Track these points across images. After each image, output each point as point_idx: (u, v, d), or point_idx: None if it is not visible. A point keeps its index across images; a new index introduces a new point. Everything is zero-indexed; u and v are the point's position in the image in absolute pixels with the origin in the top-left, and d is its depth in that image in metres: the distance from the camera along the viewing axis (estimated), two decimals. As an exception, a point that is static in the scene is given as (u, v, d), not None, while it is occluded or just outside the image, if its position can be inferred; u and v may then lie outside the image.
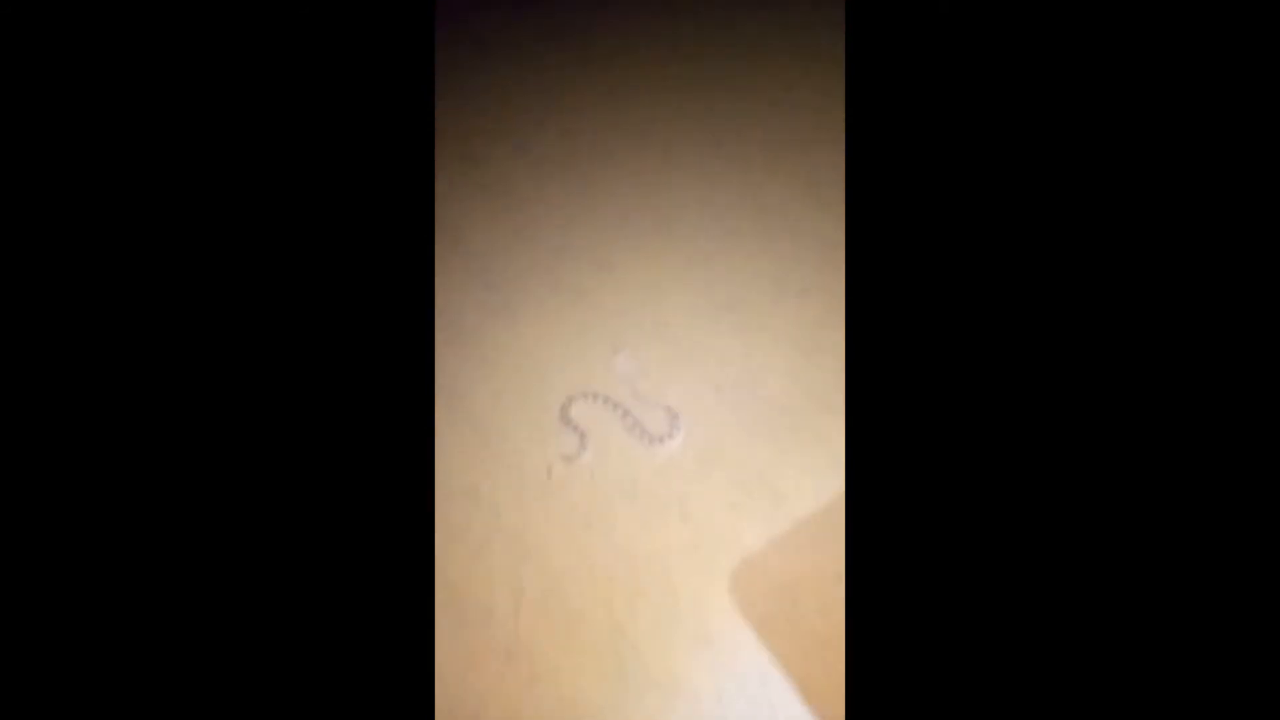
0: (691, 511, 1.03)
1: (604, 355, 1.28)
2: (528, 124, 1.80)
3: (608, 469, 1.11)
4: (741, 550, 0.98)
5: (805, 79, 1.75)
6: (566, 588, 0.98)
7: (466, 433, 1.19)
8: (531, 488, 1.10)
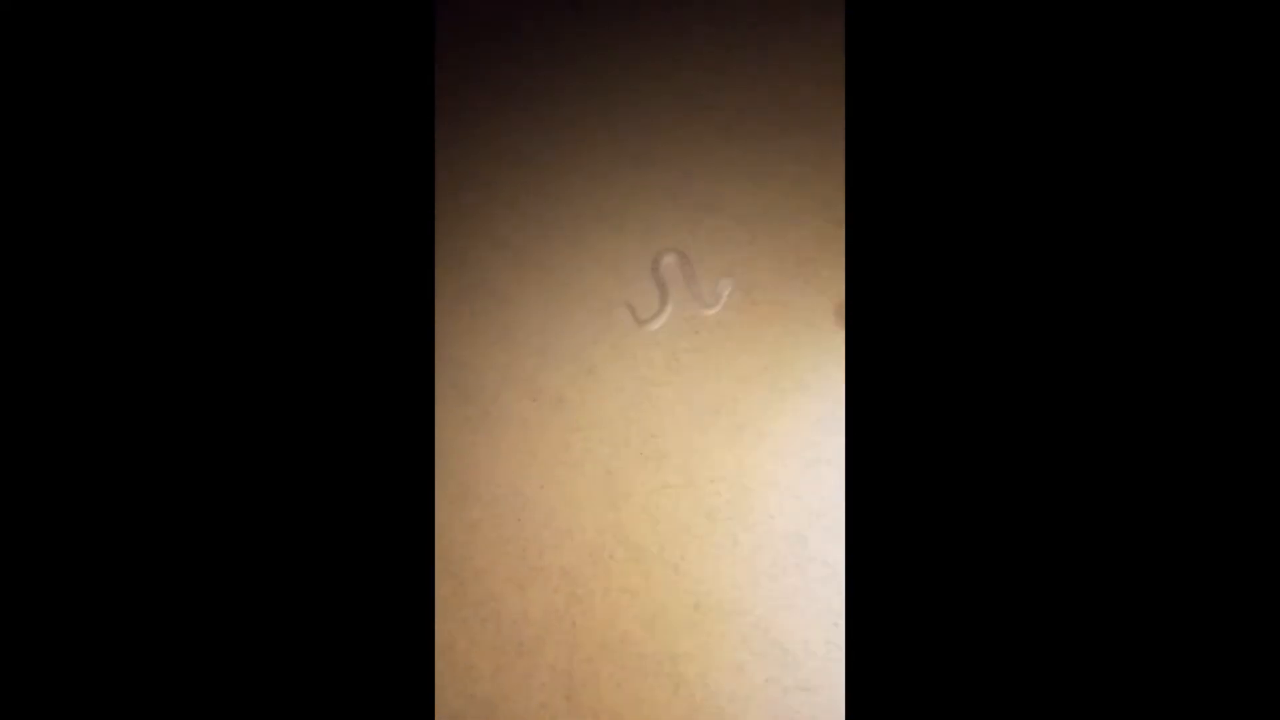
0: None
1: (591, 475, 1.18)
2: (509, 216, 1.76)
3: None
4: None
5: (798, 143, 1.66)
6: None
7: (445, 575, 1.10)
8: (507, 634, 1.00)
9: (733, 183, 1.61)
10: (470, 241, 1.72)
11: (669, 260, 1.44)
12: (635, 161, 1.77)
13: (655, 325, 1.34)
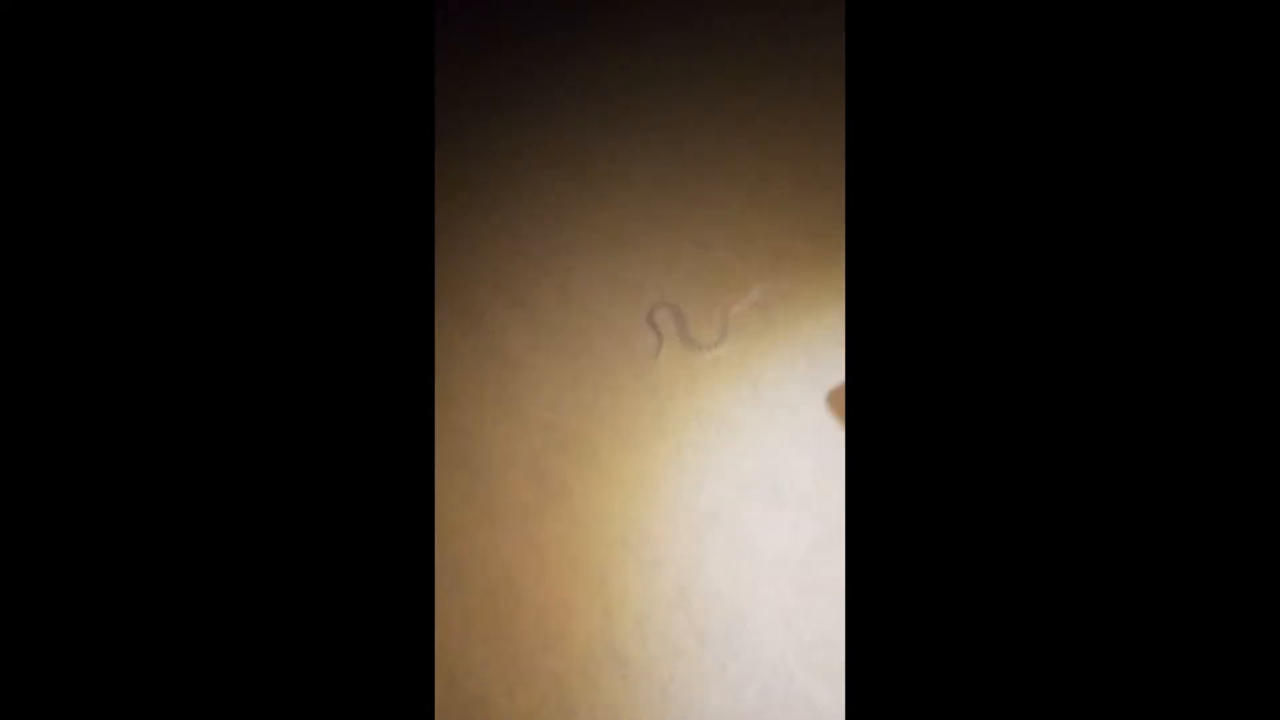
0: None
1: (591, 568, 1.19)
2: (524, 276, 1.76)
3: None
4: None
5: (825, 208, 1.62)
6: None
7: (439, 669, 1.12)
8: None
9: (752, 258, 1.58)
10: (482, 299, 1.73)
11: (662, 312, 1.55)
12: (655, 224, 1.75)
13: (655, 361, 1.46)
